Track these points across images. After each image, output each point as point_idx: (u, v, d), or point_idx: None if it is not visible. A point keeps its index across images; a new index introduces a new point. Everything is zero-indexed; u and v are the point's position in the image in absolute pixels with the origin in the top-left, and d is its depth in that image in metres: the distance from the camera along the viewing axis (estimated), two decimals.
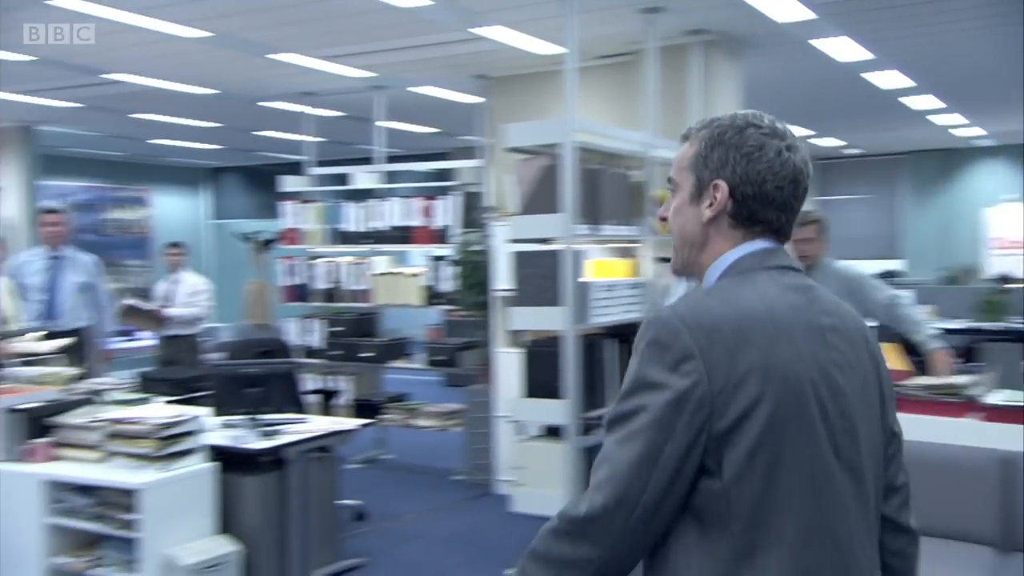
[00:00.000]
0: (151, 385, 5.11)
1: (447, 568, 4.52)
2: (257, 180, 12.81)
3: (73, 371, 4.68)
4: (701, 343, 1.18)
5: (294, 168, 7.28)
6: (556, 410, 3.95)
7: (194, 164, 12.71)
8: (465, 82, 6.60)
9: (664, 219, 1.39)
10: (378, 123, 6.88)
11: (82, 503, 3.65)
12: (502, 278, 5.62)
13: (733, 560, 1.18)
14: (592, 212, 4.09)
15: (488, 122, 6.40)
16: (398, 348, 6.53)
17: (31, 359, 4.91)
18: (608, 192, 4.19)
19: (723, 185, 1.29)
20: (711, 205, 1.30)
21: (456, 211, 6.16)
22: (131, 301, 6.87)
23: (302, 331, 6.64)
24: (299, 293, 6.74)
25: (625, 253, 4.81)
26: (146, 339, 9.12)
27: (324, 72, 6.22)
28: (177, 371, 5.81)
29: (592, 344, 4.20)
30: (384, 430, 6.66)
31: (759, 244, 1.31)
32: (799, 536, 1.18)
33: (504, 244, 5.49)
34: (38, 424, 3.86)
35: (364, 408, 6.20)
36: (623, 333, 4.43)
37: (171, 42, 5.30)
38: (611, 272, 4.58)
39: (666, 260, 4.82)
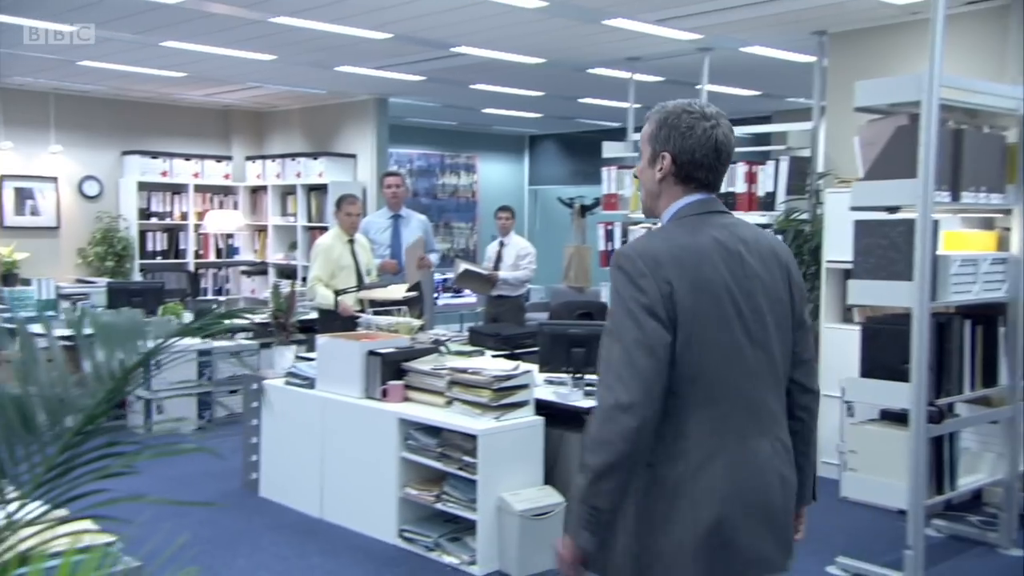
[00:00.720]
0: (479, 339, 5.46)
1: None
2: (570, 147, 13.15)
3: (418, 322, 5.14)
4: (650, 265, 1.76)
5: (608, 135, 7.33)
6: (899, 394, 3.63)
7: (516, 132, 13.34)
8: (799, 40, 6.21)
9: (636, 176, 1.94)
10: (700, 87, 6.72)
11: (429, 442, 4.00)
12: (833, 248, 5.25)
13: (679, 413, 1.78)
14: (952, 177, 3.66)
15: (823, 82, 5.98)
16: None
17: (382, 309, 5.47)
18: (973, 155, 3.72)
19: (667, 155, 1.86)
20: (660, 169, 1.87)
21: (783, 177, 5.85)
22: (467, 265, 7.34)
23: None
24: None
25: (987, 224, 4.28)
26: (468, 296, 9.82)
27: (652, 36, 6.17)
28: (503, 327, 6.15)
29: (944, 324, 3.79)
30: None
31: (696, 196, 1.87)
32: (718, 393, 1.79)
33: (840, 212, 5.11)
34: (393, 368, 4.29)
35: None
36: (982, 314, 3.95)
37: (509, 13, 5.55)
38: (969, 245, 4.10)
39: None
